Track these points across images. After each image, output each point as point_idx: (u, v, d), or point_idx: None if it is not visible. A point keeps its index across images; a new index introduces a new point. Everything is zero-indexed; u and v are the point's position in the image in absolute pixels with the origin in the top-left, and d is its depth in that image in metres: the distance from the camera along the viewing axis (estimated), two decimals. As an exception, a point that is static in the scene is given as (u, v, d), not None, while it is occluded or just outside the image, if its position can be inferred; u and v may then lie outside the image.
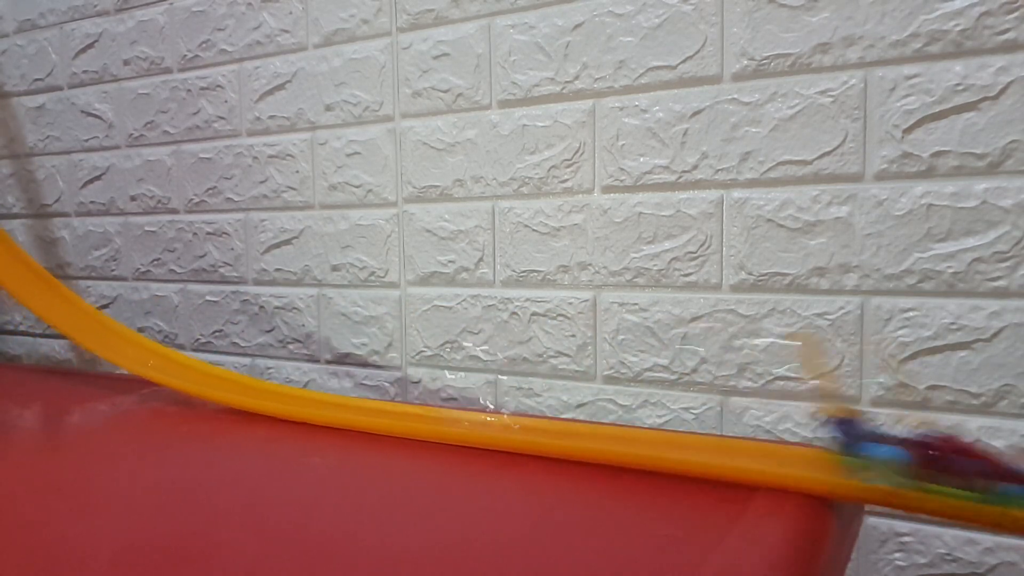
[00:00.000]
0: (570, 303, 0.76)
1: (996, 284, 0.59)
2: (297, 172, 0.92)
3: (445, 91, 0.81)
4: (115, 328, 0.89)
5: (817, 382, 0.55)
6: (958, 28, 0.59)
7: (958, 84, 0.59)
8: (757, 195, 0.67)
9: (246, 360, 0.99)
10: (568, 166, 0.75)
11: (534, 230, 0.78)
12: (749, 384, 0.68)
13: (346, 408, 0.71)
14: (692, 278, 0.70)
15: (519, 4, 0.76)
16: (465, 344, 0.81)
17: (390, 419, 0.66)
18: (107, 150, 1.09)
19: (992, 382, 0.60)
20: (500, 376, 0.81)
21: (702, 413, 0.71)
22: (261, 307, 0.97)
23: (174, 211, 1.04)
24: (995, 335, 0.59)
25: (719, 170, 0.68)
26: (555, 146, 0.76)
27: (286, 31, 0.91)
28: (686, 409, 0.71)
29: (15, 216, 1.20)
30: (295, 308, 0.94)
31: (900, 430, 0.47)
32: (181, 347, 1.05)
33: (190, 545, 0.43)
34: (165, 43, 1.02)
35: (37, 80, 1.14)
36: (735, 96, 0.67)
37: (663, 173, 0.71)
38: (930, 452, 0.44)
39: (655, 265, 0.72)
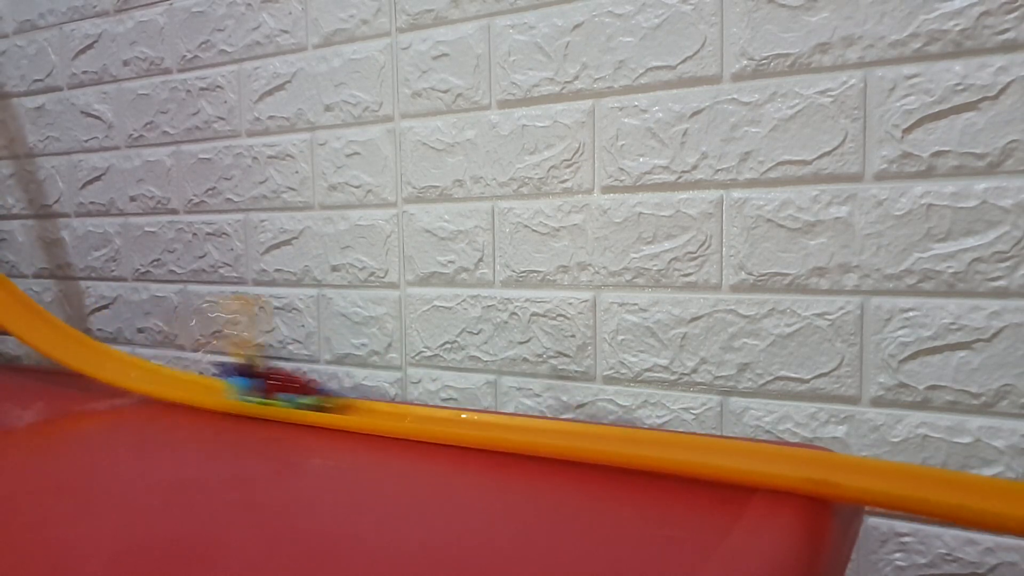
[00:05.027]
0: (570, 303, 0.76)
1: (996, 284, 0.59)
2: (297, 172, 0.92)
3: (445, 91, 0.81)
4: (95, 345, 0.92)
5: (242, 337, 0.76)
6: (958, 28, 0.59)
7: (958, 84, 0.59)
8: (757, 195, 0.67)
9: (246, 360, 0.99)
10: (568, 166, 0.75)
11: (534, 230, 0.77)
12: (749, 384, 0.68)
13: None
14: (692, 278, 0.70)
15: (518, 4, 0.76)
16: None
17: (385, 420, 0.66)
18: (107, 151, 1.09)
19: (992, 382, 0.60)
20: (500, 376, 0.81)
21: (702, 413, 0.71)
22: (261, 307, 0.97)
23: (174, 212, 1.04)
24: (995, 335, 0.59)
25: (719, 170, 0.68)
26: (555, 146, 0.76)
27: (285, 31, 0.91)
28: (686, 409, 0.71)
29: (15, 217, 1.20)
30: (295, 308, 0.94)
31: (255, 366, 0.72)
32: (181, 348, 1.05)
33: (190, 545, 0.43)
34: (165, 44, 1.02)
35: (37, 81, 1.14)
36: (735, 96, 0.67)
37: (663, 173, 0.71)
38: (268, 380, 0.72)
39: (655, 265, 0.72)
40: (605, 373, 0.75)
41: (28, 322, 0.92)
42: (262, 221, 0.96)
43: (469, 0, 0.79)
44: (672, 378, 0.72)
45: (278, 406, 0.71)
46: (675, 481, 0.52)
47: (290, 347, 0.95)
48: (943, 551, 0.62)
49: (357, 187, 0.88)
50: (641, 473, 0.53)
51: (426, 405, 0.81)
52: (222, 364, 0.75)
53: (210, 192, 1.00)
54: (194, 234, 1.02)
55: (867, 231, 0.63)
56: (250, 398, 0.72)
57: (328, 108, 0.89)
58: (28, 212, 1.18)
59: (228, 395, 0.74)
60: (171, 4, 1.00)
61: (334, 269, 0.91)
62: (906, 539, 0.63)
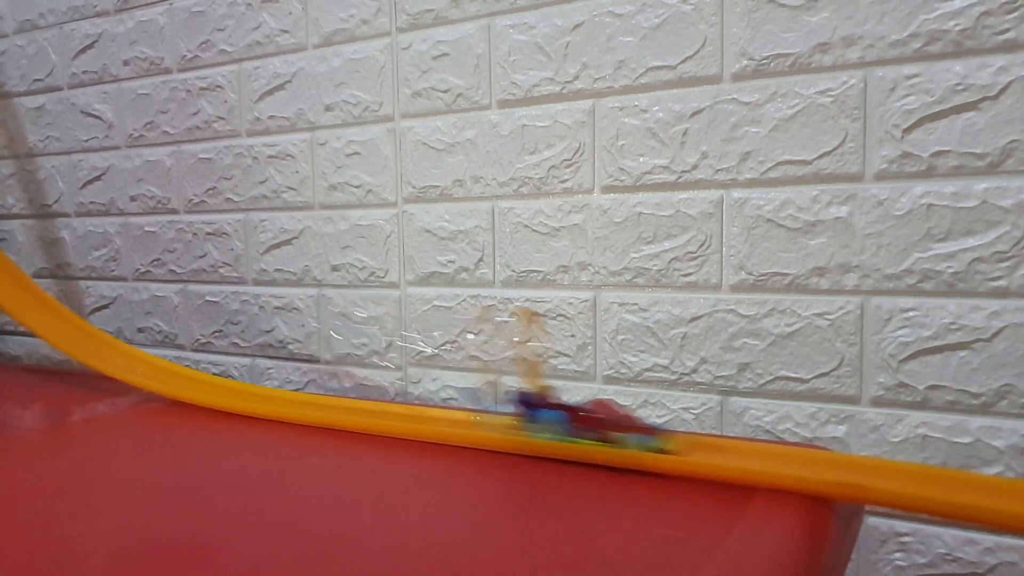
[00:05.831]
0: (570, 303, 0.76)
1: (996, 284, 0.59)
2: (297, 172, 0.92)
3: (445, 91, 0.81)
4: (103, 338, 0.90)
5: (528, 359, 0.62)
6: (958, 28, 0.59)
7: (958, 84, 0.59)
8: (757, 195, 0.67)
9: (246, 360, 0.99)
10: (568, 166, 0.75)
11: (534, 230, 0.78)
12: (749, 384, 0.68)
13: (335, 409, 0.71)
14: (692, 278, 0.70)
15: (519, 4, 0.76)
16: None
17: (384, 419, 0.66)
18: (107, 150, 1.09)
19: (992, 382, 0.60)
20: (500, 376, 0.81)
21: (702, 413, 0.71)
22: (261, 307, 0.97)
23: (174, 211, 1.04)
24: (995, 335, 0.59)
25: (719, 170, 0.68)
26: (555, 146, 0.76)
27: (286, 31, 0.91)
28: (686, 409, 0.71)
29: (15, 216, 1.20)
30: (295, 308, 0.94)
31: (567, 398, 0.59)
32: (181, 347, 1.05)
33: (189, 545, 0.43)
34: (165, 43, 1.01)
35: (37, 80, 1.14)
36: (735, 96, 0.67)
37: (663, 173, 0.71)
38: (581, 413, 0.56)
39: (655, 265, 0.72)
40: (605, 373, 0.75)
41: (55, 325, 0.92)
42: (262, 221, 0.96)
43: (469, 0, 0.79)
44: (672, 378, 0.72)
45: (619, 447, 0.55)
46: (675, 480, 0.52)
47: (290, 347, 0.95)
48: (943, 551, 0.62)
49: (357, 187, 0.88)
50: (641, 472, 0.53)
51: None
52: (519, 395, 0.59)
53: (210, 192, 1.00)
54: (194, 234, 1.02)
55: (867, 231, 0.63)
56: (575, 438, 0.56)
57: (328, 108, 0.89)
58: (28, 212, 1.18)
59: (531, 433, 0.58)
60: (171, 4, 1.00)
61: (334, 269, 0.91)
62: (906, 539, 0.63)
